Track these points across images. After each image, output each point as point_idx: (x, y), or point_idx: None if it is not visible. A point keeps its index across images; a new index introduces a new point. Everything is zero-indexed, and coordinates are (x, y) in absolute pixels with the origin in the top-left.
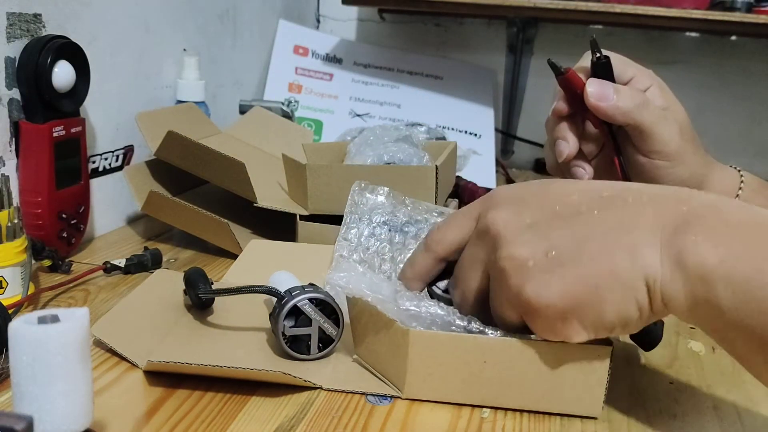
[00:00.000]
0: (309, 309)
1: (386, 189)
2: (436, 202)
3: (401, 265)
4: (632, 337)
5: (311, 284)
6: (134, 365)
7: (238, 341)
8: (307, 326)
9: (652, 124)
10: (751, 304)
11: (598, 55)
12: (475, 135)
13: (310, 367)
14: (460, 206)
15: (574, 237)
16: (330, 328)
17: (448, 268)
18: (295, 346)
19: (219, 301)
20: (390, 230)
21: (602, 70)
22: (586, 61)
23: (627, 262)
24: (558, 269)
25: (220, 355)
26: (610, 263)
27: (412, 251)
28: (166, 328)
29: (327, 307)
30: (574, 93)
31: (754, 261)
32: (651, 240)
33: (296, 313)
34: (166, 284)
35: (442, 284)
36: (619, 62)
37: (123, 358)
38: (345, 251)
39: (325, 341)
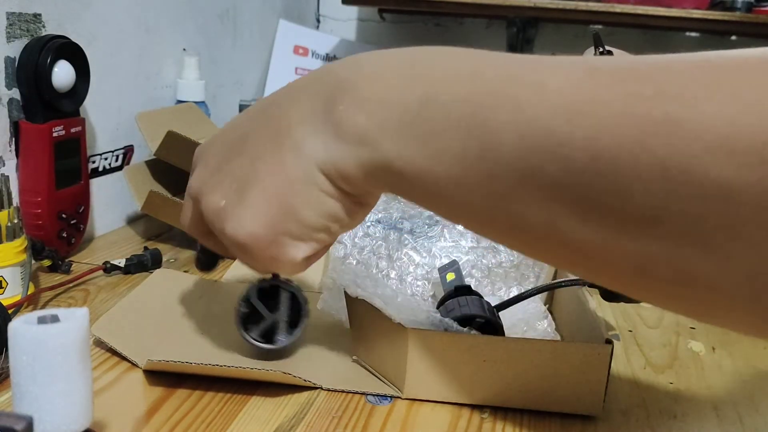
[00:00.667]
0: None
1: None
2: None
3: (399, 263)
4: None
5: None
6: (134, 364)
7: (239, 341)
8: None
9: None
10: (414, 142)
11: (601, 49)
12: None
13: (310, 366)
14: None
15: (249, 161)
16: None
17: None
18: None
19: (219, 300)
20: (384, 228)
21: None
22: (588, 56)
23: (295, 161)
24: (246, 198)
25: (220, 355)
26: (283, 170)
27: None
28: (166, 328)
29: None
30: None
31: (403, 100)
32: (309, 128)
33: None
34: (167, 283)
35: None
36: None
37: (123, 358)
38: (340, 253)
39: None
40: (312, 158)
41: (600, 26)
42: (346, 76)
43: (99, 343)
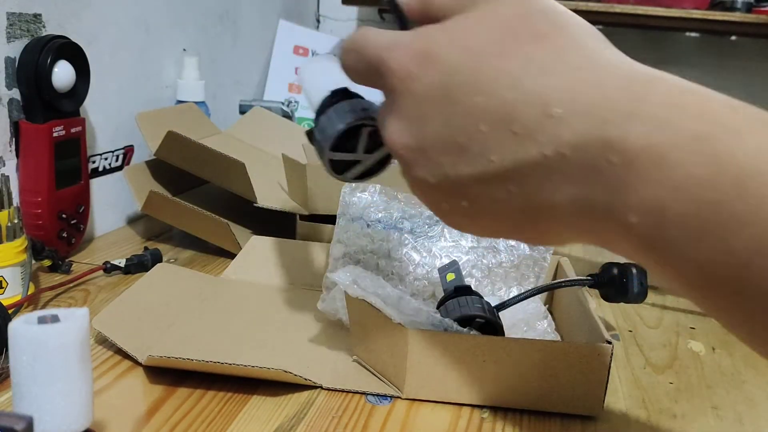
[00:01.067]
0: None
1: (377, 186)
2: None
3: (398, 262)
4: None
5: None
6: (134, 359)
7: (239, 338)
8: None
9: None
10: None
11: None
12: None
13: (310, 366)
14: None
15: (486, 192)
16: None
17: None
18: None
19: (219, 299)
20: (385, 227)
21: None
22: None
23: (548, 225)
24: (475, 218)
25: (221, 352)
26: (535, 228)
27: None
28: (166, 323)
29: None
30: None
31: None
32: (574, 215)
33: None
34: (167, 278)
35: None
36: None
37: (123, 354)
38: (340, 253)
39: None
40: (574, 227)
41: (600, 26)
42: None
43: (99, 343)
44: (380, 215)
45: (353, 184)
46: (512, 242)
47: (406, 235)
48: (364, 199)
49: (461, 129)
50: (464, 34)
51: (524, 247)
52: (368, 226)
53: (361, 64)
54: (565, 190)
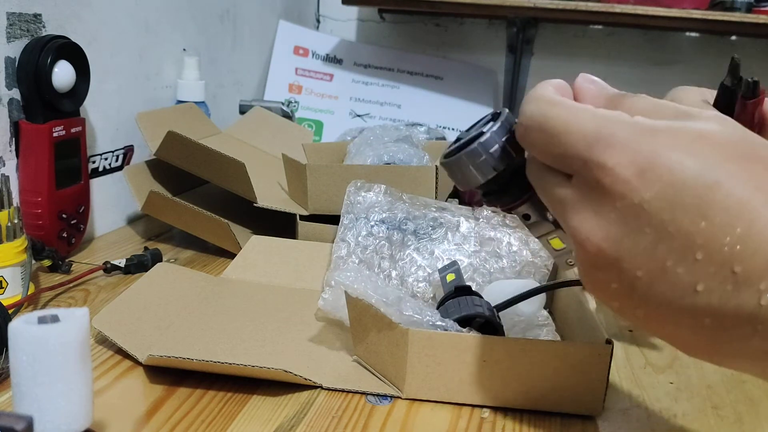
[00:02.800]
0: None
1: (383, 186)
2: None
3: (401, 263)
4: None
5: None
6: (134, 359)
7: (239, 337)
8: None
9: None
10: None
11: (737, 80)
12: None
13: (310, 365)
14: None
15: (673, 314)
16: None
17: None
18: None
19: (219, 299)
20: (388, 228)
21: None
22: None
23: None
24: (642, 321)
25: (221, 352)
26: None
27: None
28: (166, 323)
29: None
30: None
31: None
32: None
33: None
34: (167, 277)
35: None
36: None
37: (124, 353)
38: (343, 252)
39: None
40: (759, 365)
41: (600, 26)
42: None
43: (99, 343)
44: (384, 215)
45: (358, 183)
46: (515, 248)
47: (409, 236)
48: (369, 199)
49: (673, 250)
50: (695, 141)
51: (526, 253)
52: (372, 226)
53: (555, 149)
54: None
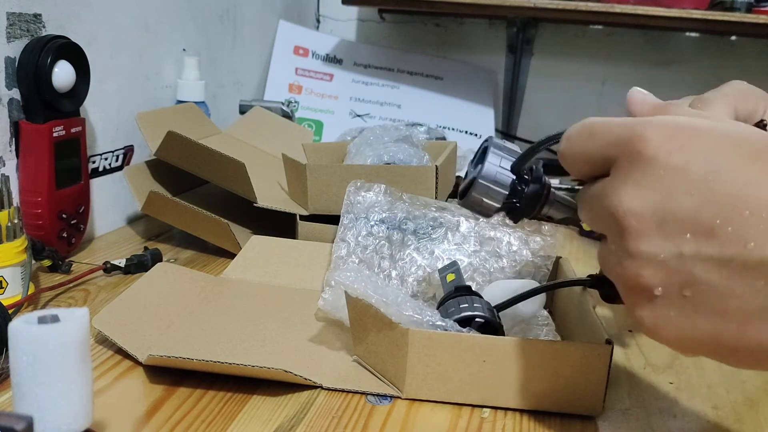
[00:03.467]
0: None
1: (383, 186)
2: None
3: (401, 263)
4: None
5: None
6: (134, 359)
7: (239, 337)
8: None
9: None
10: None
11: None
12: (475, 135)
13: (310, 365)
14: None
15: (724, 282)
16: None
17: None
18: None
19: (219, 299)
20: (388, 228)
21: None
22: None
23: None
24: (691, 315)
25: (221, 352)
26: (758, 339)
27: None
28: (167, 322)
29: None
30: None
31: None
32: None
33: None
34: (167, 277)
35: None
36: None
37: (123, 352)
38: (343, 252)
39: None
40: None
41: (600, 26)
42: None
43: (99, 343)
44: (384, 215)
45: (358, 183)
46: (514, 248)
47: (409, 236)
48: (369, 199)
49: (719, 210)
50: (732, 127)
51: (527, 253)
52: (372, 225)
53: (597, 141)
54: None
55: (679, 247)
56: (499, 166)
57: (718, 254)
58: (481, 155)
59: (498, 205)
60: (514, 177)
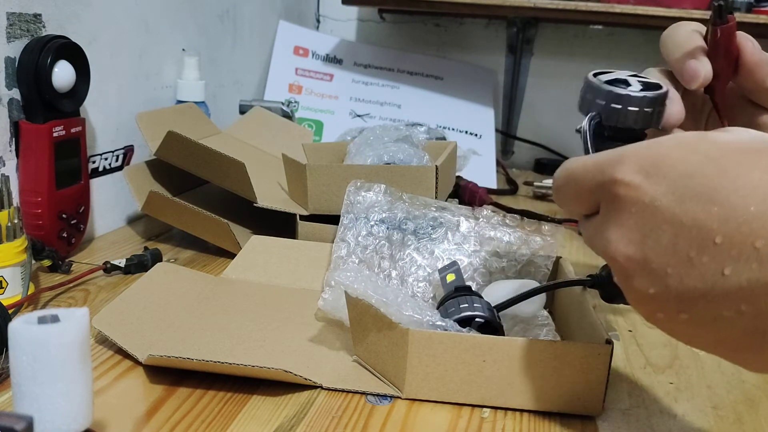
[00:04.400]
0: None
1: (383, 186)
2: None
3: (401, 263)
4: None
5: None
6: (134, 359)
7: (240, 337)
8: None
9: None
10: None
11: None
12: (476, 135)
13: (310, 365)
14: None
15: (712, 307)
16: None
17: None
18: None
19: (219, 299)
20: (388, 228)
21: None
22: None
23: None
24: (696, 329)
25: (221, 352)
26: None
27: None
28: (167, 322)
29: None
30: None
31: None
32: None
33: None
34: (167, 277)
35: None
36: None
37: (123, 352)
38: (343, 252)
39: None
40: None
41: (600, 26)
42: None
43: (99, 343)
44: (384, 215)
45: (358, 183)
46: (515, 248)
47: (409, 236)
48: (369, 199)
49: (692, 240)
50: (699, 140)
51: (527, 253)
52: (372, 225)
53: (581, 189)
54: None
55: (665, 281)
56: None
57: (699, 286)
58: (604, 84)
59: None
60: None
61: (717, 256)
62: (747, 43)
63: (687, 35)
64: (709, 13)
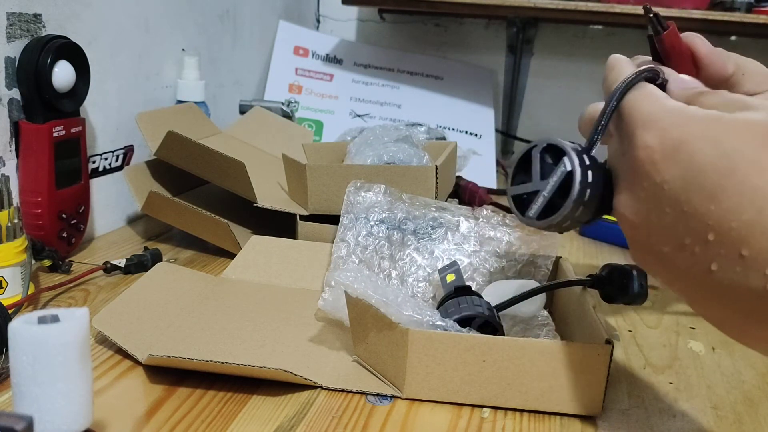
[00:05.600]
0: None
1: (382, 186)
2: None
3: (401, 263)
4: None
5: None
6: (134, 359)
7: (240, 337)
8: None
9: None
10: None
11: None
12: (476, 135)
13: (310, 365)
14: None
15: (699, 292)
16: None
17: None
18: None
19: (219, 299)
20: (388, 228)
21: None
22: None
23: None
24: (682, 286)
25: (221, 352)
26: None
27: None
28: (166, 322)
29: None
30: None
31: None
32: None
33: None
34: (167, 277)
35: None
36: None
37: (123, 352)
38: (343, 252)
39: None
40: None
41: (600, 26)
42: None
43: (99, 343)
44: (384, 215)
45: (358, 183)
46: (515, 248)
47: (409, 236)
48: (369, 199)
49: (689, 230)
50: (721, 133)
51: (527, 253)
52: (372, 226)
53: (624, 125)
54: None
55: (660, 254)
56: (586, 164)
57: (685, 269)
58: (542, 163)
59: (591, 215)
60: (591, 164)
61: (708, 251)
62: (695, 40)
63: (626, 62)
64: (662, 23)
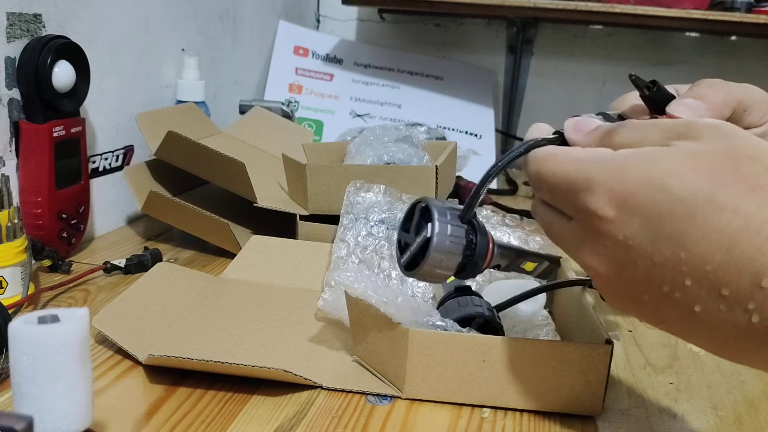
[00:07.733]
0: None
1: (382, 186)
2: None
3: None
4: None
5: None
6: (134, 358)
7: (240, 337)
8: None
9: None
10: None
11: (646, 87)
12: (476, 135)
13: (310, 365)
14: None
15: (686, 327)
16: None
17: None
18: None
19: (219, 299)
20: (387, 228)
21: (658, 95)
22: (632, 99)
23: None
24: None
25: (221, 352)
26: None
27: None
28: (166, 322)
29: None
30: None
31: None
32: None
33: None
34: (167, 277)
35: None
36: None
37: (123, 352)
38: (343, 252)
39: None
40: None
41: (600, 26)
42: None
43: (99, 343)
44: (384, 215)
45: (358, 183)
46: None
47: None
48: (369, 199)
49: (665, 279)
50: (665, 174)
51: None
52: (372, 226)
53: (553, 199)
54: None
55: (641, 302)
56: (449, 233)
57: (674, 313)
58: (419, 218)
59: (452, 273)
60: (466, 229)
61: (688, 295)
62: (681, 111)
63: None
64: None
